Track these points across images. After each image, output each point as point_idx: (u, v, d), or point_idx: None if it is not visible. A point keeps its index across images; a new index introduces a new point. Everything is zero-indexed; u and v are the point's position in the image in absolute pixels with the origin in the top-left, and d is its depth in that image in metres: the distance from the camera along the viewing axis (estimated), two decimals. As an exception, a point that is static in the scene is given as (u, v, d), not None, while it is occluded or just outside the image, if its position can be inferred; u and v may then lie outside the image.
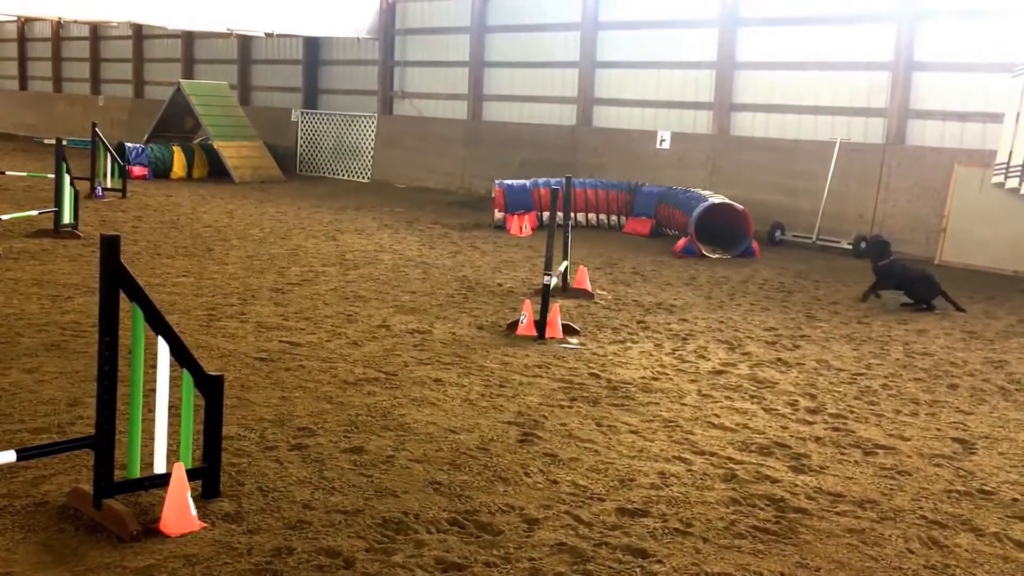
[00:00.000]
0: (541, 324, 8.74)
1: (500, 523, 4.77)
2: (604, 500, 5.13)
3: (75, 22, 32.71)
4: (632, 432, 6.29)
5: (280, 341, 8.19)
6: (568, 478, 5.41)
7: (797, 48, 17.23)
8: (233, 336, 8.27)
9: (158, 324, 4.51)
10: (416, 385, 7.12)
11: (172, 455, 4.78)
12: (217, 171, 23.34)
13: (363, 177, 25.09)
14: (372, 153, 25.13)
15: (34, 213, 13.53)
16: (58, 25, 36.90)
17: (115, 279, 4.35)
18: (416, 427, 6.16)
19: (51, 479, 5.00)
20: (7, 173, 19.31)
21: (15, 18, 36.67)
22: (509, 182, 17.20)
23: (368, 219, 17.05)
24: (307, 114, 26.96)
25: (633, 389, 7.28)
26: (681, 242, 14.71)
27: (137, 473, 4.64)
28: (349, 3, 24.46)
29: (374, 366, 7.57)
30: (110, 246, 4.35)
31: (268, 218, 16.48)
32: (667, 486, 5.36)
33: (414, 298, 10.32)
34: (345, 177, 25.38)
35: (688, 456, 5.88)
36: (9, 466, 4.93)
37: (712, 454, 5.94)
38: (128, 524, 4.40)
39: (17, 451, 4.40)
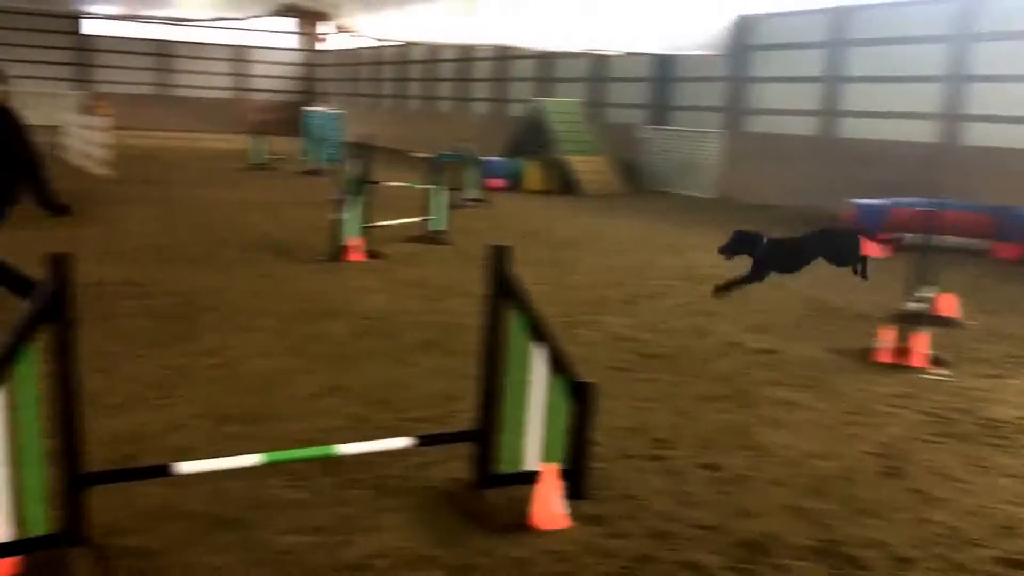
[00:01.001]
0: (904, 352, 8.31)
1: (868, 558, 4.60)
2: (983, 547, 4.79)
3: (450, 47, 35.49)
4: (1011, 476, 5.82)
5: (633, 353, 8.38)
6: (940, 519, 5.11)
7: None
8: (588, 344, 8.56)
9: (541, 332, 4.80)
10: (770, 405, 7.02)
11: (542, 454, 5.05)
12: (567, 184, 24.26)
13: (708, 193, 25.03)
14: (718, 169, 25.01)
15: (412, 220, 14.72)
16: (433, 50, 40.12)
17: (504, 286, 4.69)
18: (771, 448, 6.09)
19: (433, 466, 5.44)
20: (383, 184, 21.15)
21: (398, 44, 40.41)
22: (864, 201, 16.47)
23: (713, 235, 16.93)
24: (655, 130, 27.35)
25: (1010, 429, 6.73)
26: (1062, 272, 13.38)
27: (512, 468, 4.95)
28: (700, 20, 24.54)
29: (726, 383, 7.55)
30: (500, 256, 4.70)
31: (615, 231, 16.88)
32: (1056, 539, 4.93)
33: (763, 316, 10.17)
34: (690, 193, 25.45)
35: (1079, 509, 5.36)
36: (399, 451, 5.41)
37: (1109, 509, 5.37)
38: (504, 515, 4.72)
39: (418, 438, 4.87)
